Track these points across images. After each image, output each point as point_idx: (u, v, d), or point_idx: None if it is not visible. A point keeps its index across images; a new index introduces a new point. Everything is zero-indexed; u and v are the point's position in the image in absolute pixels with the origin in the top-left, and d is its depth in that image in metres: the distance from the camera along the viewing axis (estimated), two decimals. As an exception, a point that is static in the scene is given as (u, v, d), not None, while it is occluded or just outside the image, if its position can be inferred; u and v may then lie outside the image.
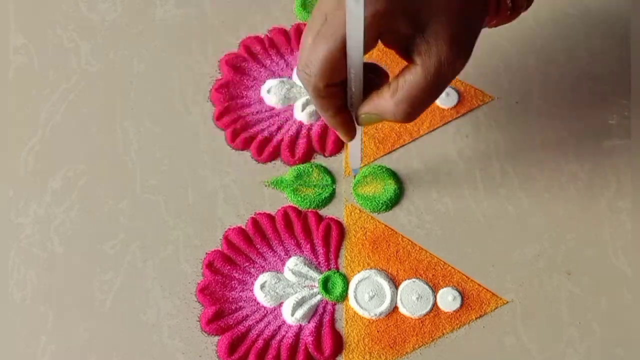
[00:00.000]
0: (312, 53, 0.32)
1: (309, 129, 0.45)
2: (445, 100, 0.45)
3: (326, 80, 0.32)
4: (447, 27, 0.31)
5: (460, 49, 0.32)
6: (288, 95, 0.46)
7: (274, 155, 0.45)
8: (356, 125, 0.36)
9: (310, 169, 0.44)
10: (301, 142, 0.45)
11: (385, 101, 0.33)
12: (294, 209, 0.43)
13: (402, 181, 0.43)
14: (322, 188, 0.43)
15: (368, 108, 0.34)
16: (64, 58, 0.47)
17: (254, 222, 0.42)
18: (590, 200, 0.43)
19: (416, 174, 0.44)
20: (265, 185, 0.44)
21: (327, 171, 0.44)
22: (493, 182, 0.43)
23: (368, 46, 0.31)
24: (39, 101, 0.46)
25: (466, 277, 0.41)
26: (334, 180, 0.44)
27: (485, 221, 0.42)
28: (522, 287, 0.40)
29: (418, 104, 0.33)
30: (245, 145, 0.45)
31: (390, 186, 0.43)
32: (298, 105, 0.45)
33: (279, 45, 0.47)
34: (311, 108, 0.45)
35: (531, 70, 0.46)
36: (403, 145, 0.44)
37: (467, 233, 0.42)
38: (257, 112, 0.46)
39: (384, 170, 0.44)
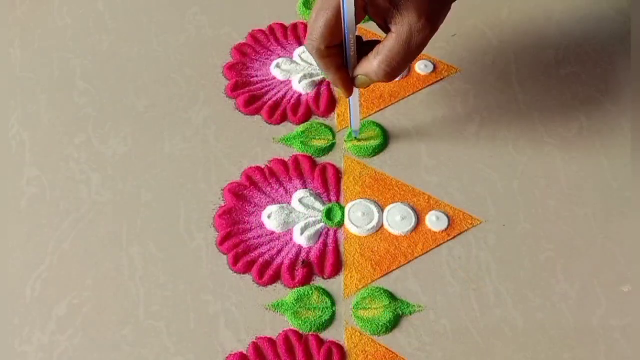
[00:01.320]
0: (315, 23, 0.41)
1: (308, 252, 0.47)
2: (436, 223, 0.48)
3: (326, 42, 0.41)
4: (417, 3, 0.40)
5: (427, 20, 0.40)
6: (287, 220, 0.48)
7: (275, 278, 0.46)
8: (354, 88, 0.45)
9: (310, 292, 0.45)
10: (301, 265, 0.46)
11: (370, 63, 0.42)
12: (295, 332, 0.44)
13: (400, 302, 0.45)
14: (322, 311, 0.44)
15: (359, 70, 0.43)
16: (75, 189, 0.50)
17: (255, 347, 0.43)
18: (582, 319, 0.44)
19: (414, 296, 0.45)
20: (266, 309, 0.45)
21: (327, 293, 0.45)
22: (488, 303, 0.45)
23: (358, 16, 0.40)
24: (48, 230, 0.48)
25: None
26: (333, 303, 0.45)
27: (483, 342, 0.43)
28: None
29: (394, 65, 0.41)
30: (246, 269, 0.46)
31: (389, 308, 0.44)
32: (297, 229, 0.48)
33: (278, 174, 0.51)
34: (309, 232, 0.47)
35: (515, 194, 0.49)
36: (399, 267, 0.46)
37: (467, 356, 0.43)
38: (258, 237, 0.48)
39: (381, 292, 0.45)
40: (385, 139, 0.51)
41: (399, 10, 0.40)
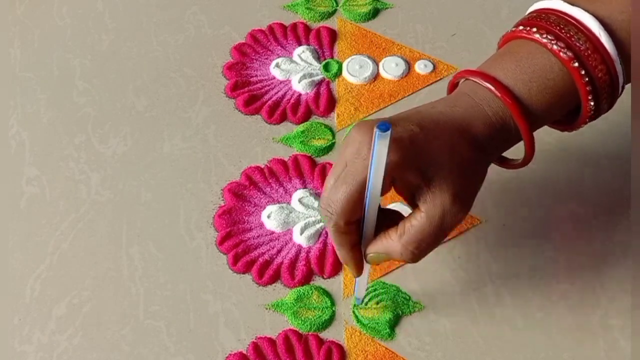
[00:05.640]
0: (334, 194, 0.36)
1: (308, 252, 0.47)
2: (437, 223, 0.47)
3: (346, 218, 0.36)
4: (451, 183, 0.35)
5: (462, 203, 0.36)
6: (287, 220, 0.48)
7: (274, 278, 0.46)
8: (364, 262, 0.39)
9: (310, 291, 0.45)
10: (300, 265, 0.46)
11: (393, 242, 0.37)
12: (295, 332, 0.44)
13: (400, 302, 0.45)
14: (322, 310, 0.44)
15: (377, 247, 0.38)
16: (75, 189, 0.50)
17: (255, 346, 0.43)
18: (582, 319, 0.44)
19: (413, 295, 0.45)
20: (266, 308, 0.45)
21: (327, 293, 0.45)
22: (487, 302, 0.45)
23: (383, 190, 0.35)
24: (48, 230, 0.48)
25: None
26: (333, 302, 0.45)
27: (484, 342, 0.43)
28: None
29: (424, 247, 0.36)
30: (246, 269, 0.46)
31: (389, 308, 0.44)
32: (297, 229, 0.48)
33: (278, 174, 0.51)
34: (309, 232, 0.47)
35: (515, 194, 0.49)
36: (399, 267, 0.46)
37: (467, 355, 0.43)
38: (258, 236, 0.48)
39: (381, 292, 0.45)
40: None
41: (430, 188, 0.35)
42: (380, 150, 0.33)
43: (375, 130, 0.32)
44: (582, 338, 0.43)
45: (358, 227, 0.37)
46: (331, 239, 0.38)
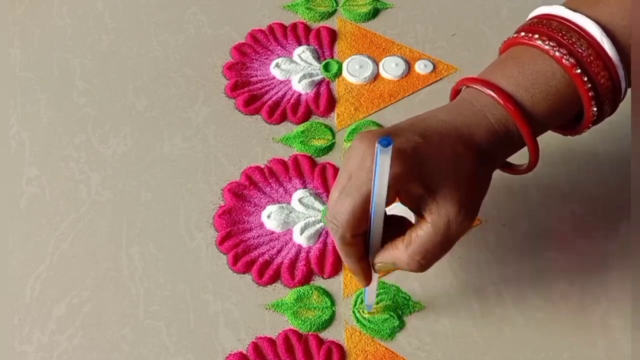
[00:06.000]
0: (339, 206, 0.36)
1: (308, 252, 0.47)
2: (437, 223, 0.48)
3: (352, 230, 0.36)
4: (455, 193, 0.35)
5: (467, 212, 0.36)
6: (287, 220, 0.48)
7: (275, 278, 0.46)
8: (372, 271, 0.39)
9: (310, 291, 0.45)
10: (300, 265, 0.46)
11: (399, 252, 0.37)
12: (295, 332, 0.44)
13: (400, 302, 0.45)
14: (322, 310, 0.44)
15: (384, 258, 0.38)
16: (75, 189, 0.50)
17: (255, 346, 0.43)
18: (582, 319, 0.44)
19: (414, 296, 0.45)
20: (266, 308, 0.45)
21: (327, 293, 0.45)
22: (487, 302, 0.45)
23: (388, 202, 0.35)
24: (48, 230, 0.48)
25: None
26: (333, 302, 0.45)
27: (484, 342, 0.43)
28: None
29: (430, 257, 0.36)
30: (246, 269, 0.46)
31: (389, 308, 0.44)
32: (297, 229, 0.48)
33: (278, 174, 0.51)
34: (309, 232, 0.47)
35: (515, 194, 0.49)
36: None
37: (467, 355, 0.43)
38: (258, 237, 0.48)
39: (381, 291, 0.45)
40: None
41: (434, 198, 0.35)
42: (383, 164, 0.33)
43: (377, 145, 0.32)
44: (582, 338, 0.43)
45: (364, 239, 0.37)
46: (339, 251, 0.38)
